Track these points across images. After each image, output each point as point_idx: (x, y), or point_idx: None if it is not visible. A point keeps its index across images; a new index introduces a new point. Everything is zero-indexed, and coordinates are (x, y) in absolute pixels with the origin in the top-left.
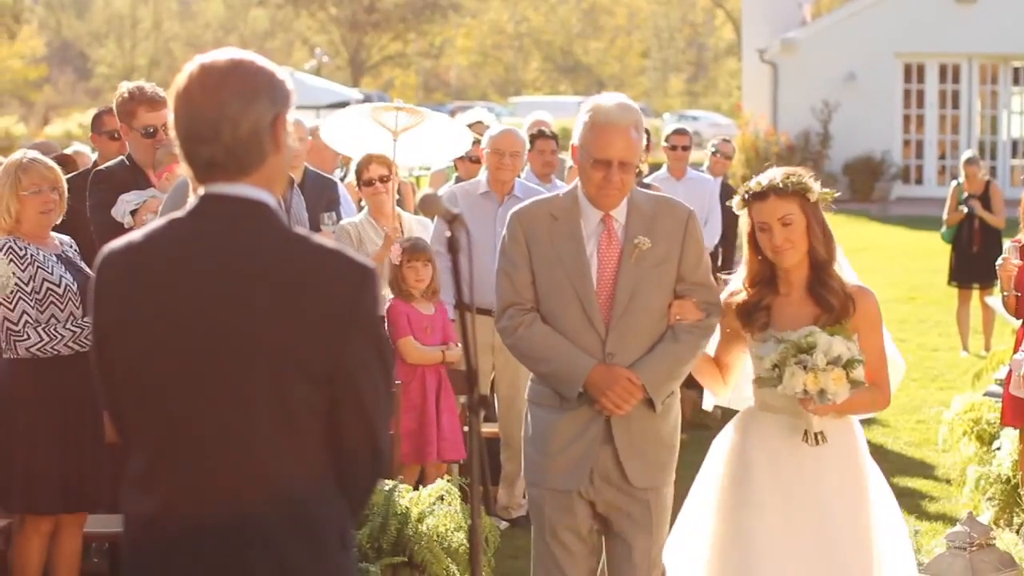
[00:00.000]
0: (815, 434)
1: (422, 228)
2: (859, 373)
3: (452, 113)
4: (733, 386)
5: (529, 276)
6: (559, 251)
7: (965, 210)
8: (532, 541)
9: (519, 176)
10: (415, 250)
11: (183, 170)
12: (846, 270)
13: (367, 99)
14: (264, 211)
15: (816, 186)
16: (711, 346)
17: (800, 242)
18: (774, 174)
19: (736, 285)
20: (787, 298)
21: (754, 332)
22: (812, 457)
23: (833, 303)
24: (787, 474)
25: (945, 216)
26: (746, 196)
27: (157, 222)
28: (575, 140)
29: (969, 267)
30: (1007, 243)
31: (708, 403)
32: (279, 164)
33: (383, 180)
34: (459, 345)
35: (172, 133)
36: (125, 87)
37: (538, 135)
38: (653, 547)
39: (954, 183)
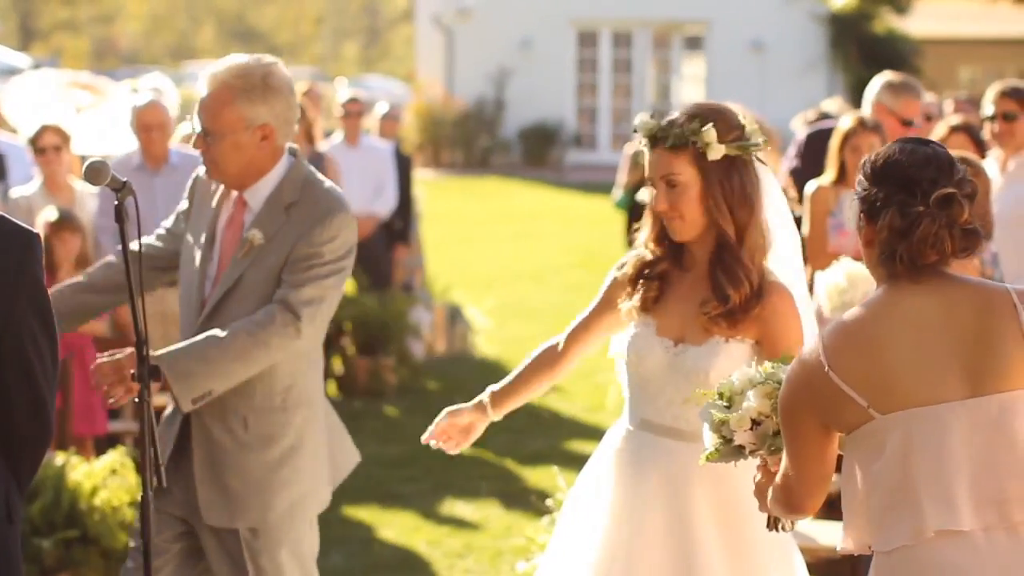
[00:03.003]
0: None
1: (96, 199)
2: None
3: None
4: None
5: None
6: (198, 227)
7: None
8: None
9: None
10: (61, 220)
11: None
12: (786, 261)
13: (37, 65)
14: None
15: (727, 137)
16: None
17: (691, 213)
18: (681, 111)
19: (638, 244)
20: (688, 274)
21: (636, 310)
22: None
23: (728, 294)
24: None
25: (622, 179)
26: (642, 137)
27: None
28: None
29: None
30: None
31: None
32: None
33: (57, 149)
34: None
35: None
36: None
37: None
38: None
39: (630, 146)
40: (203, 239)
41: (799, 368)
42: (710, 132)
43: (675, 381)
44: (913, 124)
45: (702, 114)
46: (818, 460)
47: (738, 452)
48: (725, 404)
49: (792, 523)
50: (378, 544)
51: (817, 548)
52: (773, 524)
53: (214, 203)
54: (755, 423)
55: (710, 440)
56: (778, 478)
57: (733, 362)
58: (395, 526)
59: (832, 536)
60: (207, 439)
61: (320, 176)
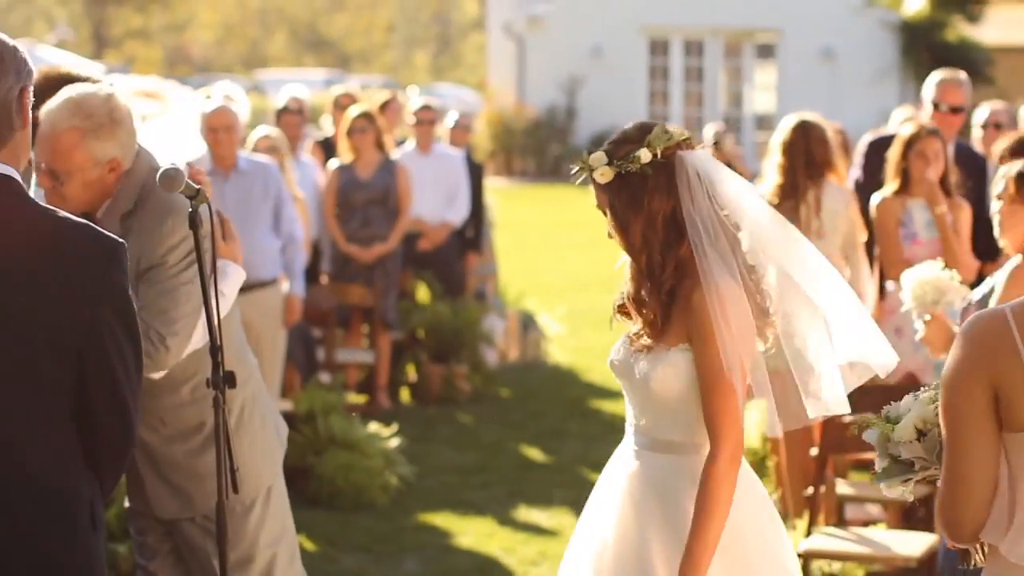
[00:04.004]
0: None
1: None
2: None
3: (206, 89)
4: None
5: None
6: None
7: (711, 151)
8: None
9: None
10: None
11: None
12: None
13: (110, 73)
14: (12, 185)
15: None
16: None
17: (615, 235)
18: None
19: None
20: None
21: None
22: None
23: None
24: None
25: None
26: None
27: None
28: None
29: None
30: None
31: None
32: (25, 138)
33: None
34: None
35: None
36: None
37: (283, 110)
38: None
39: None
40: None
41: (982, 331)
42: (595, 158)
43: (632, 389)
44: (962, 110)
45: (614, 140)
46: (982, 458)
47: (907, 469)
48: (891, 425)
49: (980, 554)
50: (452, 551)
51: (893, 557)
52: (963, 558)
53: None
54: (921, 433)
55: (879, 462)
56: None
57: (676, 370)
58: (469, 533)
59: (907, 545)
60: (139, 440)
61: None
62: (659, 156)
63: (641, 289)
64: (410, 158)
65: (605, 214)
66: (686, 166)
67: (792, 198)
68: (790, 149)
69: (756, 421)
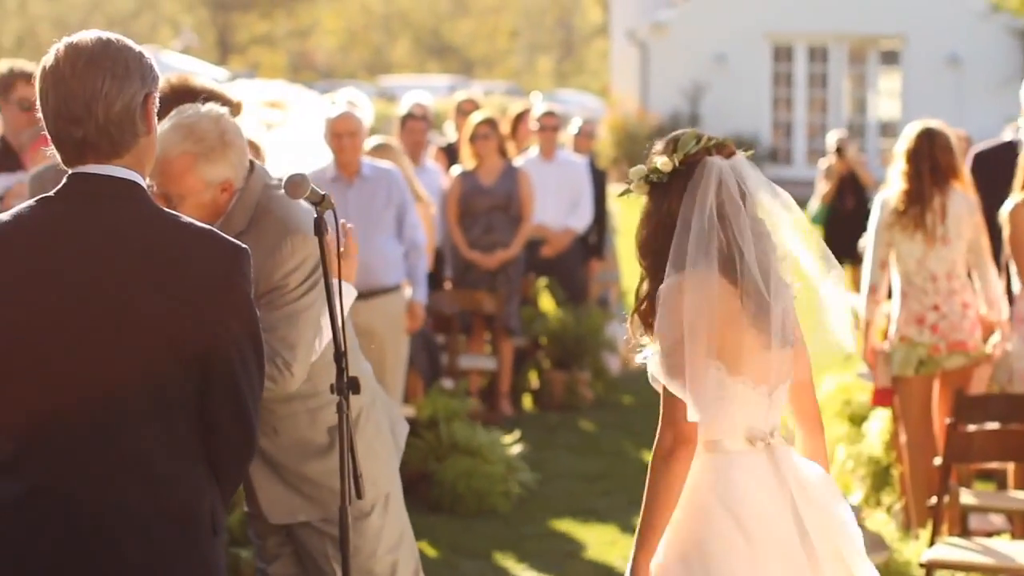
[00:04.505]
0: None
1: None
2: None
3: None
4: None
5: None
6: None
7: (834, 158)
8: None
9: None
10: None
11: (52, 152)
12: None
13: (234, 78)
14: (136, 191)
15: (657, 161)
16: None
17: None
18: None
19: None
20: None
21: None
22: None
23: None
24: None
25: (820, 188)
26: None
27: (26, 203)
28: None
29: (841, 243)
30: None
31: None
32: (150, 145)
33: None
34: None
35: (39, 113)
36: (2, 64)
37: (408, 116)
38: None
39: (825, 161)
40: None
41: None
42: (634, 171)
43: None
44: None
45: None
46: None
47: None
48: None
49: None
50: (574, 559)
51: (1017, 568)
52: None
53: None
54: None
55: None
56: None
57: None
58: (591, 541)
59: None
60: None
61: (276, 192)
62: (678, 164)
63: (641, 292)
64: (533, 164)
65: None
66: (706, 171)
67: (918, 204)
68: (915, 156)
69: (879, 431)
